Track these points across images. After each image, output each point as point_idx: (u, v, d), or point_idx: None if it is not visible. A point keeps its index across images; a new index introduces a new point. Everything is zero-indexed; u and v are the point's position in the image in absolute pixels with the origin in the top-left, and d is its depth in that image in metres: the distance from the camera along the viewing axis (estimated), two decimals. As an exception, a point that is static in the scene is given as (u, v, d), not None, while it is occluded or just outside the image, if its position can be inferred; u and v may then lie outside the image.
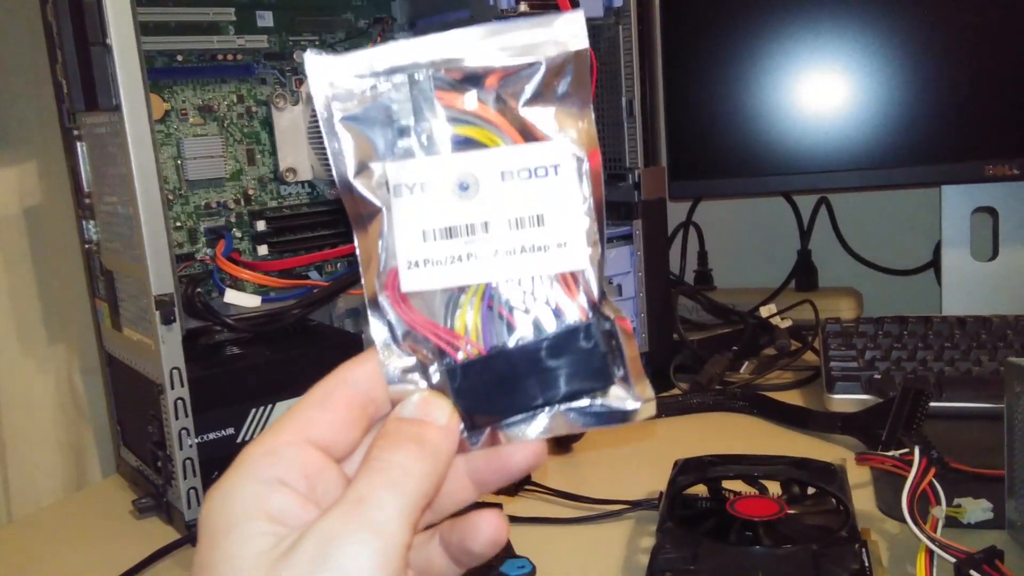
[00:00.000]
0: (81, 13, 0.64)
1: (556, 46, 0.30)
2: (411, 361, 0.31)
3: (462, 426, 0.31)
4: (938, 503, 0.55)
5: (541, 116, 0.30)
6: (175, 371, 0.68)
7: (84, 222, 0.79)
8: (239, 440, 0.72)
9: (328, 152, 0.30)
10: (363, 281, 0.31)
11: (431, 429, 0.30)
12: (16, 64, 0.84)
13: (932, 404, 0.71)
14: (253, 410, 0.73)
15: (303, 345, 0.79)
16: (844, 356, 0.87)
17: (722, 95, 1.01)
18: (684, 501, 0.62)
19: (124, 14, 0.64)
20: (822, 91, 0.99)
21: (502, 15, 0.82)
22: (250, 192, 0.88)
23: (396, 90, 0.30)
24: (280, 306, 0.80)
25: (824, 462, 0.64)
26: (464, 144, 0.30)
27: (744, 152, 1.02)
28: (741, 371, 0.98)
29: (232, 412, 0.72)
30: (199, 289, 0.76)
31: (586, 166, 0.30)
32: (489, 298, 0.31)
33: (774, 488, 0.62)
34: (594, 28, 0.92)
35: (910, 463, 0.57)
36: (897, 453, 0.61)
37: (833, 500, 0.59)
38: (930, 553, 0.51)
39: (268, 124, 0.88)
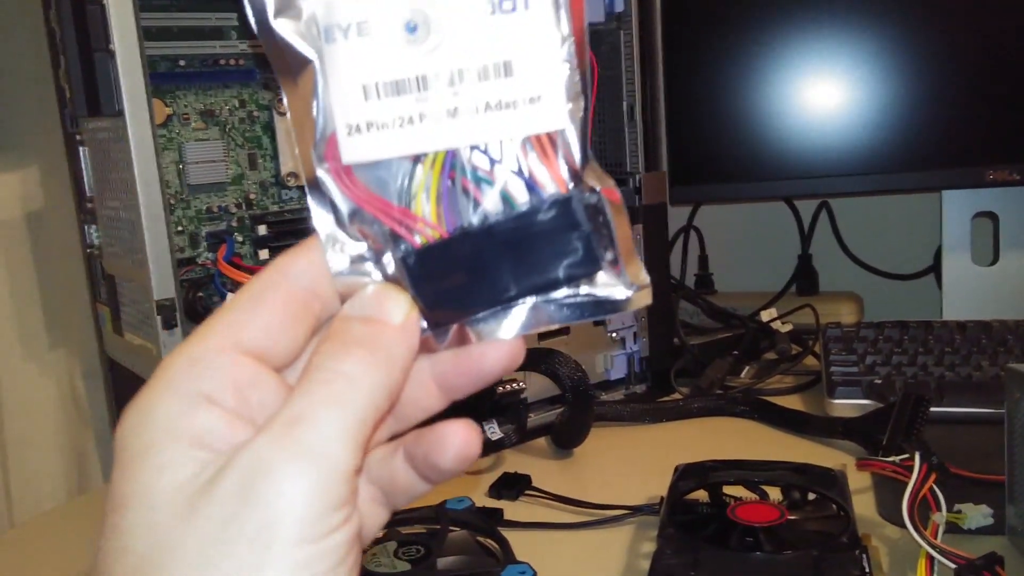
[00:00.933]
0: (84, 19, 0.64)
1: None
2: (361, 248, 0.26)
3: (423, 323, 0.26)
4: (938, 509, 0.55)
5: None
6: (177, 376, 0.68)
7: (86, 226, 0.79)
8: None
9: None
10: (297, 153, 0.26)
11: (385, 329, 0.25)
12: (18, 69, 0.84)
13: (933, 409, 0.71)
14: (254, 414, 0.73)
15: (304, 349, 0.79)
16: (845, 361, 0.87)
17: (723, 99, 1.02)
18: (685, 506, 0.62)
19: (127, 20, 0.64)
20: (823, 96, 0.99)
21: None
22: (252, 196, 0.88)
23: None
24: (281, 310, 0.80)
25: (824, 467, 0.64)
26: None
27: (745, 157, 1.02)
28: (742, 375, 0.98)
29: (233, 416, 0.72)
30: (201, 294, 0.76)
31: (564, 1, 0.24)
32: (450, 168, 0.25)
33: (775, 493, 0.62)
34: (595, 33, 0.92)
35: (910, 468, 0.57)
36: (897, 458, 0.61)
37: (834, 506, 0.59)
38: (930, 559, 0.51)
39: (270, 129, 0.88)
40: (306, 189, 0.26)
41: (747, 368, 0.99)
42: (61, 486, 0.88)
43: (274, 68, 0.25)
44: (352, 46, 0.24)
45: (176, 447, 0.24)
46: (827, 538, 0.55)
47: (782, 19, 0.99)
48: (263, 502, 0.23)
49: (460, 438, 0.27)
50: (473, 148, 0.25)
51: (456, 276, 0.26)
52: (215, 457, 0.24)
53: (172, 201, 0.83)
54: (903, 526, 0.53)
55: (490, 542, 0.59)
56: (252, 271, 0.82)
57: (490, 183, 0.25)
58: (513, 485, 0.72)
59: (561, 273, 0.26)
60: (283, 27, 0.25)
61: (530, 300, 0.26)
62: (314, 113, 0.25)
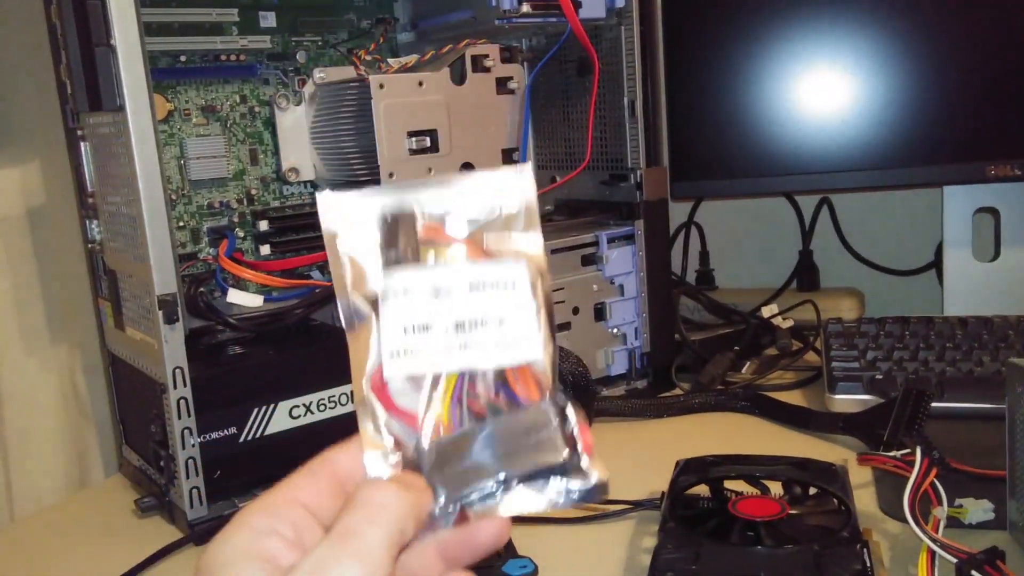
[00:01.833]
0: (85, 14, 0.64)
1: (514, 196, 0.36)
2: (389, 446, 0.35)
3: (434, 504, 0.34)
4: (939, 503, 0.55)
5: (503, 244, 0.36)
6: (178, 370, 0.68)
7: (87, 222, 0.79)
8: (241, 439, 0.72)
9: (332, 275, 0.36)
10: (352, 385, 0.35)
11: (413, 478, 0.34)
12: (19, 64, 0.84)
13: (933, 405, 0.71)
14: (255, 409, 0.73)
15: (305, 345, 0.79)
16: (846, 356, 0.87)
17: (724, 95, 1.01)
18: (686, 501, 0.62)
19: (128, 15, 0.64)
20: (824, 91, 0.99)
21: (504, 16, 0.82)
22: (253, 192, 0.88)
23: (389, 228, 0.36)
24: (282, 306, 0.81)
25: (826, 462, 0.64)
26: (441, 263, 0.36)
27: (746, 153, 1.02)
28: (743, 371, 0.98)
29: (234, 411, 0.72)
30: (202, 289, 0.76)
31: (539, 283, 0.36)
32: (459, 386, 0.35)
33: (776, 488, 0.63)
34: (596, 29, 0.92)
35: (911, 463, 0.58)
36: (898, 453, 0.61)
37: (835, 500, 0.59)
38: (931, 553, 0.51)
39: (271, 124, 0.88)
40: (356, 406, 0.35)
41: (748, 364, 0.99)
42: (62, 481, 0.88)
43: (343, 322, 0.36)
44: (400, 303, 0.35)
45: (249, 562, 0.31)
46: (828, 533, 0.55)
47: (783, 14, 0.99)
48: None
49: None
50: (475, 372, 0.35)
51: (456, 464, 0.35)
52: (279, 571, 0.31)
53: (173, 196, 0.83)
54: (904, 521, 0.53)
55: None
56: (253, 267, 0.82)
57: (486, 401, 0.35)
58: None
59: (536, 464, 0.34)
60: (355, 297, 0.36)
61: (516, 487, 0.35)
62: (369, 352, 0.35)
